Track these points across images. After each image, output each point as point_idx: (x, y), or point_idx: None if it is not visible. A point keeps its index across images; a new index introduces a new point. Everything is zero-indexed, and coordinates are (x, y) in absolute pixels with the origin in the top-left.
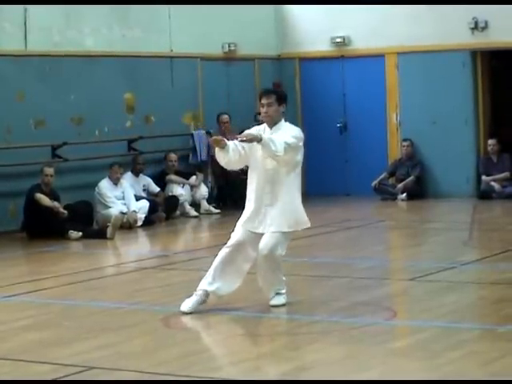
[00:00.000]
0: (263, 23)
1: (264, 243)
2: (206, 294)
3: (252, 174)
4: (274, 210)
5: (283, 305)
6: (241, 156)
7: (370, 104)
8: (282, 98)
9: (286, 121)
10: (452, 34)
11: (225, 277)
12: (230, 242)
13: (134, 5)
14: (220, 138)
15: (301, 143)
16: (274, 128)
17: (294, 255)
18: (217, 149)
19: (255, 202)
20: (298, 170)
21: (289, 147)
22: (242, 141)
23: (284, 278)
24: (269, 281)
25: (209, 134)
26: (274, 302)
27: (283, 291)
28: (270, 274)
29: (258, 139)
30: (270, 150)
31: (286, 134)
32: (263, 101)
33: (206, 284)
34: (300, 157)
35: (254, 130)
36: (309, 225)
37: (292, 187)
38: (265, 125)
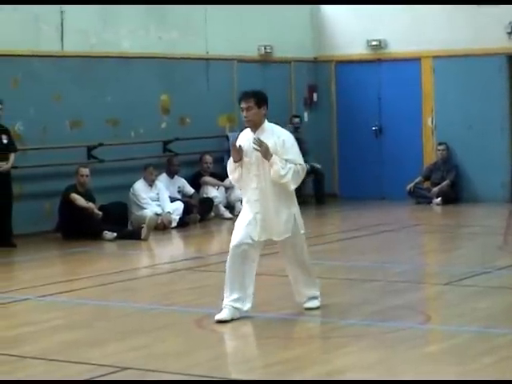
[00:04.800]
0: (299, 26)
1: (289, 253)
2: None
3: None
4: (270, 219)
5: (317, 308)
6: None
7: (405, 107)
8: (261, 101)
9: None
10: (488, 39)
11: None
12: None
13: (171, 7)
14: (240, 148)
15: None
16: (258, 132)
17: (328, 258)
18: (231, 160)
19: (248, 209)
20: None
21: (297, 174)
22: (255, 143)
23: (317, 281)
24: (302, 286)
25: None
26: (309, 304)
27: (317, 294)
28: (302, 280)
29: (269, 155)
30: (277, 171)
31: (295, 153)
32: (242, 105)
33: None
34: None
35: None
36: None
37: (281, 195)
38: (248, 129)
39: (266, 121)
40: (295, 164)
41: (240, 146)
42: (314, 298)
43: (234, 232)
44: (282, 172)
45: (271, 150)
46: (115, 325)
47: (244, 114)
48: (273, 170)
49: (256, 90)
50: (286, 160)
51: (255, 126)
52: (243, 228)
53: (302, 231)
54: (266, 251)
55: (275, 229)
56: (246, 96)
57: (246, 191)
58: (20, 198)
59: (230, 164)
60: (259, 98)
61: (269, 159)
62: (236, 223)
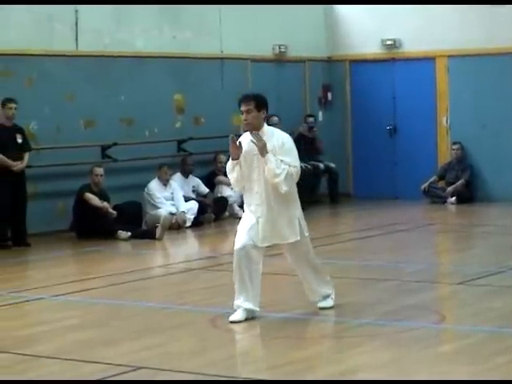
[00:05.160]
0: (314, 25)
1: (295, 255)
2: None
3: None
4: (273, 223)
5: (331, 307)
6: (242, 177)
7: (419, 107)
8: (261, 104)
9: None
10: (502, 38)
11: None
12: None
13: (185, 7)
14: (240, 145)
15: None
16: None
17: (341, 258)
18: (230, 160)
19: (250, 213)
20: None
21: (291, 177)
22: (254, 137)
23: (328, 278)
24: (315, 285)
25: None
26: (323, 304)
27: (330, 292)
28: (313, 279)
29: (265, 152)
30: (272, 170)
31: (292, 156)
32: (242, 108)
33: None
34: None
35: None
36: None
37: (283, 198)
38: (247, 132)
39: (266, 124)
40: (290, 166)
41: (240, 142)
42: (328, 296)
43: (237, 236)
44: (277, 171)
45: (269, 151)
46: (129, 324)
47: (243, 116)
48: (267, 168)
49: (256, 93)
50: (282, 161)
51: (254, 130)
52: (246, 232)
53: (307, 233)
54: (275, 251)
55: (279, 233)
56: (245, 99)
57: (247, 195)
58: (34, 198)
59: (229, 163)
60: (259, 102)
61: (264, 155)
62: (238, 227)
